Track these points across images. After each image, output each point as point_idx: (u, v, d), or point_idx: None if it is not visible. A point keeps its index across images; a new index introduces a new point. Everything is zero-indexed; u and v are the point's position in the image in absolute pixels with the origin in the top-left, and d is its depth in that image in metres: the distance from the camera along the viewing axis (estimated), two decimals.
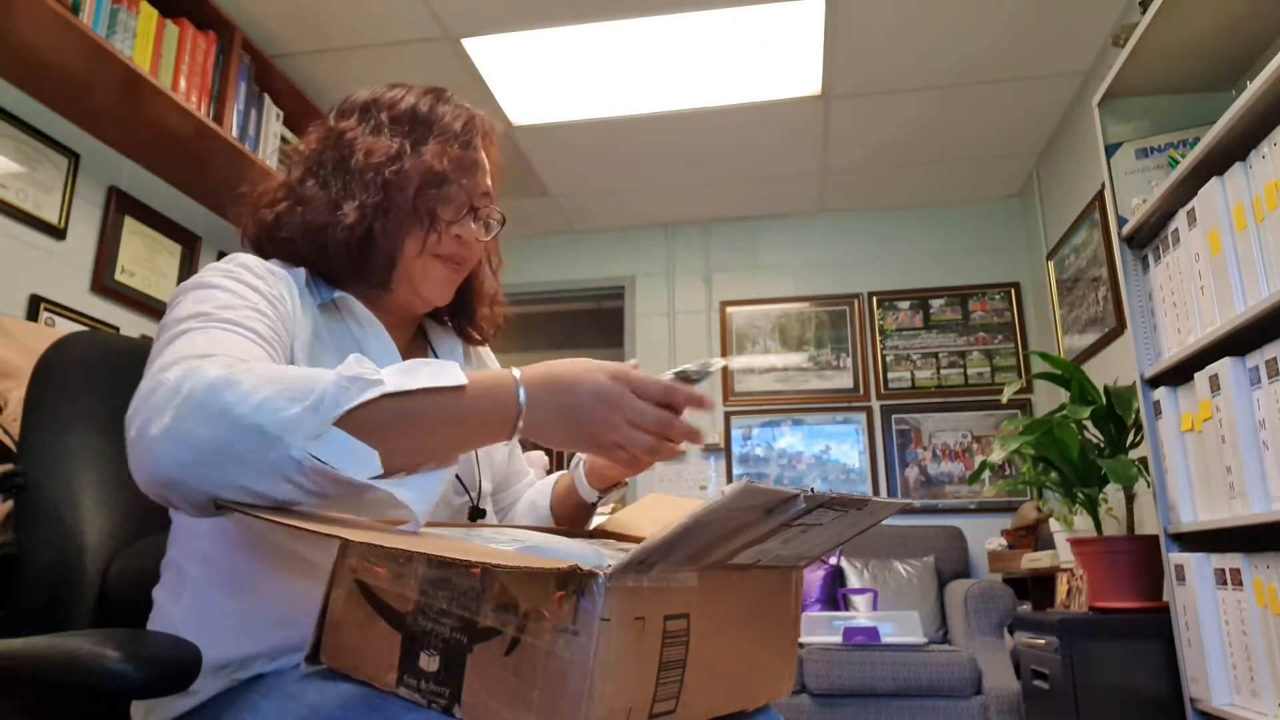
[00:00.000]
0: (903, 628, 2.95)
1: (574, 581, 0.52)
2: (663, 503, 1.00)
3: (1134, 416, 2.05)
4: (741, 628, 0.67)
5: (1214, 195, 1.67)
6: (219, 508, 0.63)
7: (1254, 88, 1.51)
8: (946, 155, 3.72)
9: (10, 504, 0.97)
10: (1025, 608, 3.01)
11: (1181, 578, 1.78)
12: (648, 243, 4.42)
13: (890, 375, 4.04)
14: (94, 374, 0.99)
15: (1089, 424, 2.13)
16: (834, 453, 4.01)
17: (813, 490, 0.55)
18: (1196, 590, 1.72)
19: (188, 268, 2.81)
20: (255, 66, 2.73)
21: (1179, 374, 1.85)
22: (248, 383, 0.62)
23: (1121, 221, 2.04)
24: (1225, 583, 1.66)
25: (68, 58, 2.13)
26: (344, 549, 0.67)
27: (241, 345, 0.71)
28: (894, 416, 3.99)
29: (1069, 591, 2.27)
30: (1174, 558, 1.81)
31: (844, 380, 4.08)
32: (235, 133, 2.59)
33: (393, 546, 0.56)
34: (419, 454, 0.67)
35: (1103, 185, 2.35)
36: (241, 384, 0.61)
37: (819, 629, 2.97)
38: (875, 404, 4.02)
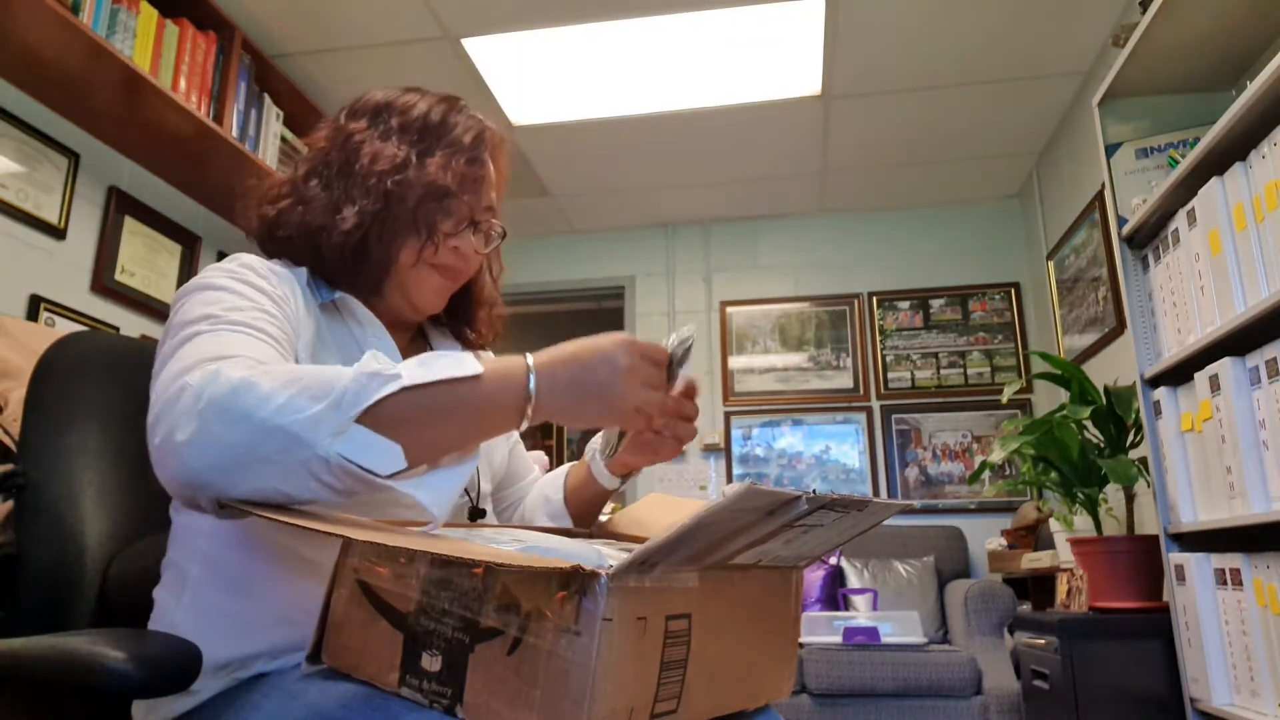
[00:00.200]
0: (903, 628, 2.95)
1: (576, 582, 0.52)
2: (663, 503, 1.00)
3: (1134, 416, 2.05)
4: (742, 628, 0.67)
5: (1214, 195, 1.67)
6: (222, 506, 0.63)
7: (1254, 88, 1.51)
8: (946, 155, 3.72)
9: (10, 504, 0.97)
10: (1025, 608, 3.01)
11: (1181, 578, 1.78)
12: (647, 243, 4.42)
13: (890, 375, 4.04)
14: (94, 374, 0.99)
15: (1089, 424, 2.13)
16: (834, 453, 4.02)
17: (814, 491, 0.55)
18: (1196, 590, 1.72)
19: (188, 268, 2.81)
20: (255, 66, 2.73)
21: (1179, 374, 1.85)
22: (268, 385, 0.62)
23: (1121, 221, 2.04)
24: (1225, 583, 1.66)
25: (68, 58, 2.13)
26: (346, 549, 0.67)
27: (254, 347, 0.72)
28: (894, 416, 3.99)
29: (1069, 591, 2.27)
30: (1174, 558, 1.81)
31: (844, 380, 4.08)
32: (235, 133, 2.59)
33: (395, 545, 0.56)
34: (441, 444, 0.67)
35: (1103, 185, 2.35)
36: (262, 386, 0.62)
37: (819, 629, 2.97)
38: (875, 404, 4.02)
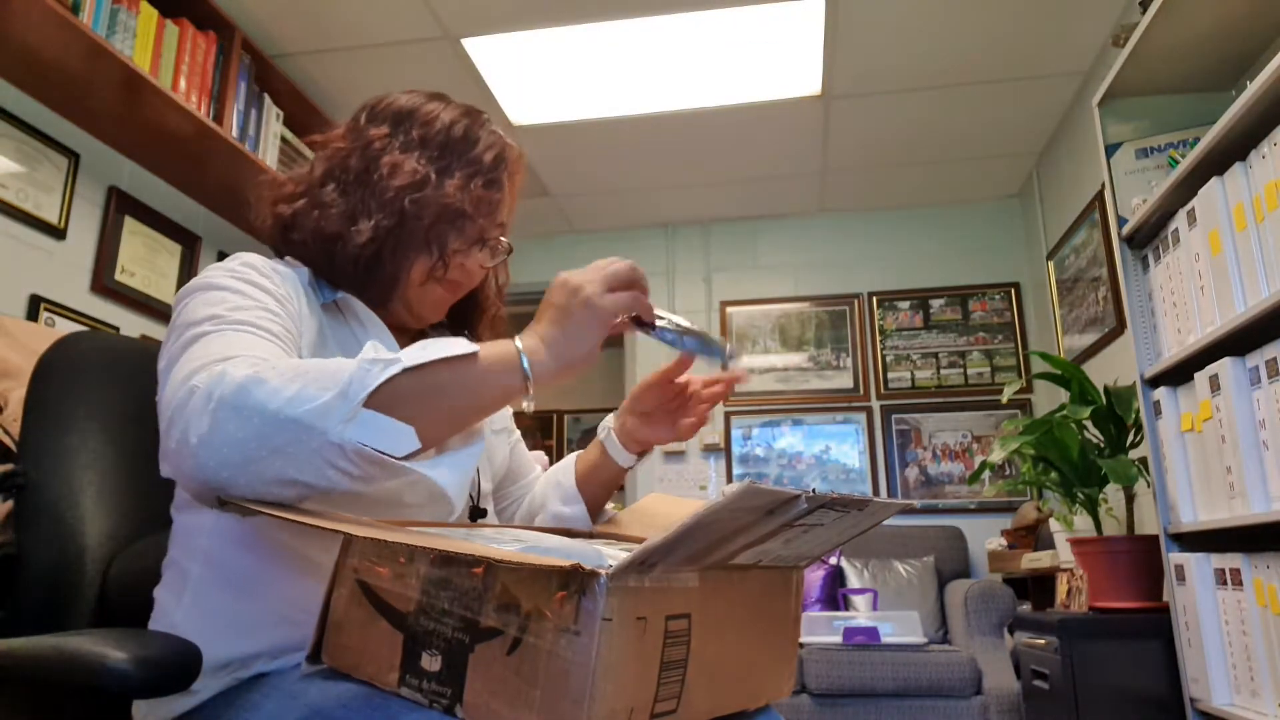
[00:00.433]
0: (903, 628, 2.95)
1: (576, 581, 0.53)
2: (663, 503, 1.00)
3: (1134, 416, 2.05)
4: (742, 628, 0.67)
5: (1214, 195, 1.67)
6: (222, 503, 0.63)
7: (1254, 88, 1.51)
8: (946, 155, 3.72)
9: (10, 504, 0.97)
10: (1025, 608, 3.01)
11: (1181, 578, 1.78)
12: (648, 243, 4.42)
13: (890, 375, 4.04)
14: (94, 374, 0.99)
15: (1089, 424, 2.13)
16: (834, 453, 4.02)
17: (814, 491, 0.55)
18: (1196, 590, 1.72)
19: (188, 268, 2.81)
20: (255, 66, 2.73)
21: (1179, 374, 1.85)
22: (275, 379, 0.64)
23: (1121, 221, 2.04)
24: (1225, 583, 1.66)
25: (68, 58, 2.13)
26: (345, 549, 0.67)
27: (260, 345, 0.72)
28: (894, 416, 3.99)
29: (1069, 591, 2.27)
30: (1174, 558, 1.81)
31: (844, 380, 4.08)
32: (235, 133, 2.59)
33: (395, 541, 0.56)
34: (445, 422, 0.70)
35: (1103, 185, 2.35)
36: (270, 381, 0.63)
37: (819, 629, 2.97)
38: (875, 404, 4.02)
